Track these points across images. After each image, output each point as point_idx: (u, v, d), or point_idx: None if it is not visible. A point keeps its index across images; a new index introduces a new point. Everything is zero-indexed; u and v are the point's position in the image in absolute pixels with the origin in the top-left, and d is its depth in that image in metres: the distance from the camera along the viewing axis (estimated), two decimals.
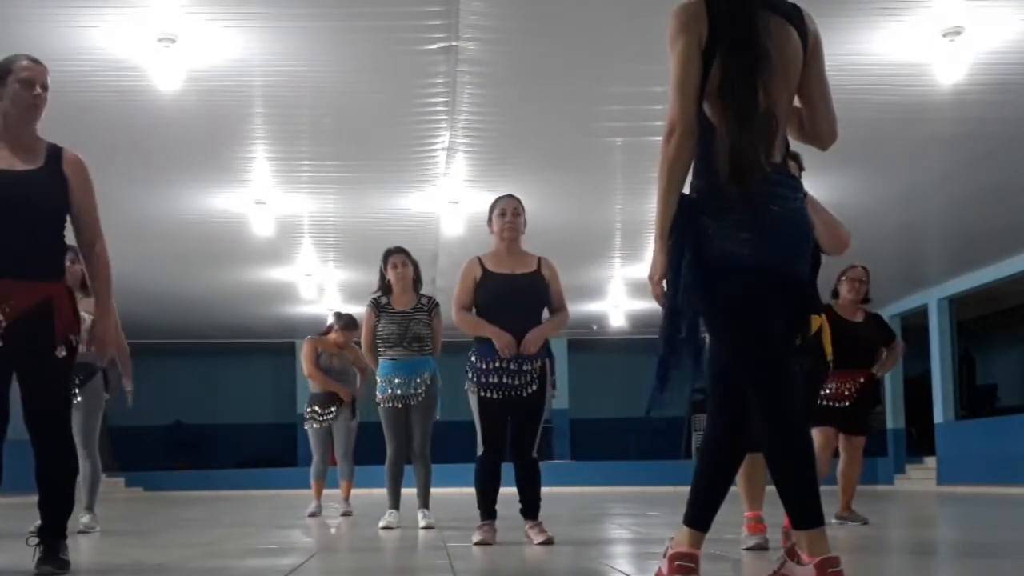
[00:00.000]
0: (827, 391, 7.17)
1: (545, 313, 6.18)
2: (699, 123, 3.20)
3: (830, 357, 5.32)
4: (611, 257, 15.92)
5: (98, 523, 7.51)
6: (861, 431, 7.79)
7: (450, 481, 15.20)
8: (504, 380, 5.92)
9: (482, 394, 5.96)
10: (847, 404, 7.60)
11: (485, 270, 6.08)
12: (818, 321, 5.27)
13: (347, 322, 9.97)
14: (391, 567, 5.19)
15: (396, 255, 7.82)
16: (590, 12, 7.63)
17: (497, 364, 5.91)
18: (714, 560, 5.08)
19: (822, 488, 8.28)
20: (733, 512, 5.46)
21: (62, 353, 4.41)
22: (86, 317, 7.33)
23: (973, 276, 17.34)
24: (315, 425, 9.83)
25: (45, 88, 4.49)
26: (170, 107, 8.98)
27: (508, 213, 6.11)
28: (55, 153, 4.52)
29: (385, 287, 7.78)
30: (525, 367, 5.92)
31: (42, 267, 4.42)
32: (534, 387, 5.94)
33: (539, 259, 6.15)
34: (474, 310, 6.09)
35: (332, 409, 9.79)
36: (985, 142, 10.53)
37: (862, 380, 7.61)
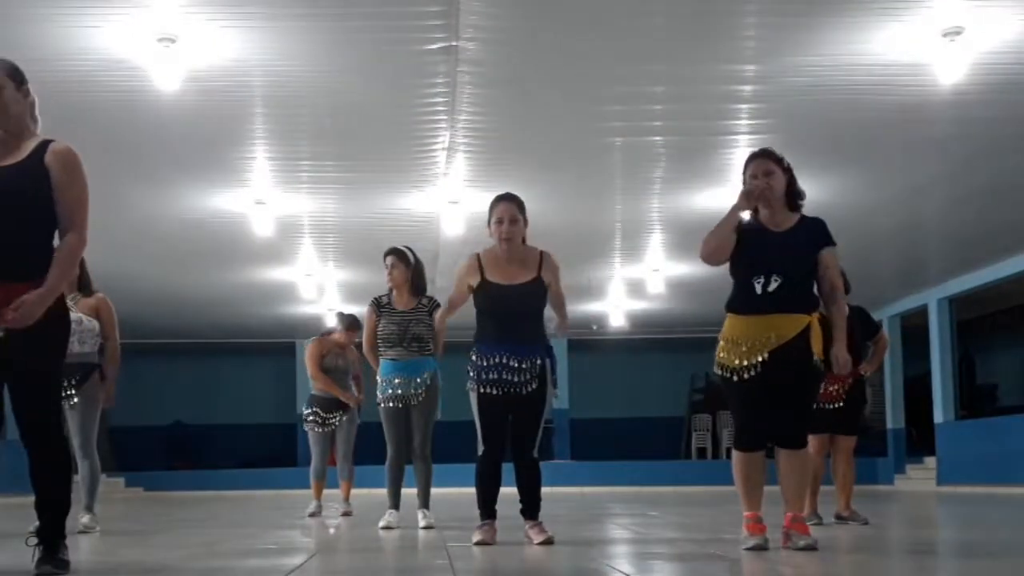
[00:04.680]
0: None
1: (547, 311, 6.17)
2: None
3: (820, 357, 5.31)
4: (611, 257, 15.91)
5: (98, 523, 7.51)
6: (851, 432, 7.77)
7: (450, 481, 15.20)
8: (503, 377, 5.90)
9: (481, 390, 5.94)
10: (839, 405, 7.59)
11: (484, 278, 5.99)
12: (805, 320, 5.27)
13: (350, 322, 9.97)
14: (391, 567, 5.18)
15: (389, 256, 7.83)
16: (590, 12, 7.63)
17: (496, 361, 5.90)
18: (714, 560, 5.08)
19: (821, 489, 8.28)
20: (733, 512, 5.48)
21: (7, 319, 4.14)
22: (83, 318, 7.37)
23: (973, 276, 17.33)
24: (317, 429, 9.81)
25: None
26: (170, 107, 8.98)
27: (505, 221, 6.00)
28: (41, 147, 4.36)
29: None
30: (524, 365, 5.90)
31: (19, 267, 4.25)
32: (534, 385, 5.91)
33: (540, 258, 6.04)
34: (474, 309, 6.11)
35: (336, 414, 9.78)
36: (985, 142, 10.53)
37: (851, 381, 7.59)
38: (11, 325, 4.17)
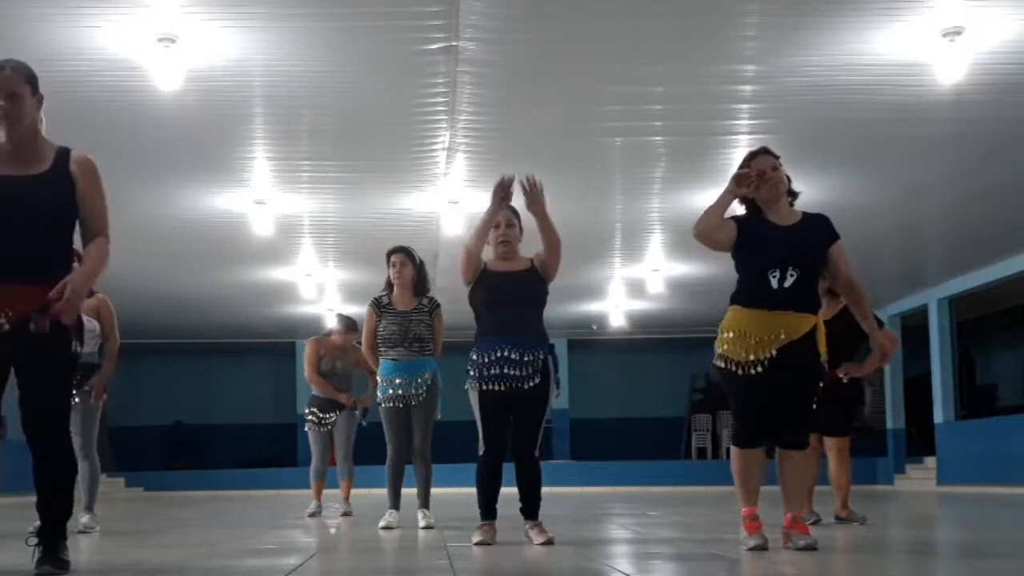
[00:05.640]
0: None
1: (547, 310, 6.17)
2: None
3: (824, 356, 5.32)
4: (611, 257, 15.91)
5: (98, 523, 7.51)
6: (839, 432, 7.69)
7: (450, 481, 15.20)
8: (506, 371, 5.87)
9: (483, 387, 5.92)
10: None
11: (485, 267, 6.07)
12: (813, 320, 5.27)
13: (347, 324, 9.96)
14: (391, 567, 5.18)
15: (396, 254, 7.83)
16: (590, 12, 7.63)
17: (498, 355, 5.88)
18: (714, 560, 5.08)
19: (817, 488, 8.25)
20: (733, 512, 5.48)
21: (77, 349, 4.36)
22: (84, 319, 7.36)
23: (973, 276, 17.34)
24: (315, 429, 9.83)
25: (12, 97, 4.32)
26: (170, 107, 8.98)
27: (502, 225, 6.07)
28: (63, 155, 4.44)
29: (390, 286, 7.80)
30: (527, 358, 5.89)
31: (44, 271, 4.31)
32: (536, 380, 5.89)
33: (532, 259, 6.13)
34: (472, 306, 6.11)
35: (332, 414, 9.79)
36: (985, 142, 10.53)
37: (821, 384, 7.49)
38: (63, 313, 4.26)
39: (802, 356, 5.19)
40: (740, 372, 5.22)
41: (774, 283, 5.19)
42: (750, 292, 5.28)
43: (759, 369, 5.18)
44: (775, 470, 5.40)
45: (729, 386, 5.34)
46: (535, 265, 6.10)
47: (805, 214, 5.41)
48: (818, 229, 5.34)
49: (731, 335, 5.26)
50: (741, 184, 5.29)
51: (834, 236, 5.34)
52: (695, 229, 5.39)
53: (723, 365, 5.29)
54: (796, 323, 5.19)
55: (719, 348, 5.31)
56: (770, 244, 5.24)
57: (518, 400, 5.92)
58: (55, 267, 4.38)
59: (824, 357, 5.30)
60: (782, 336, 5.17)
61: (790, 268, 5.18)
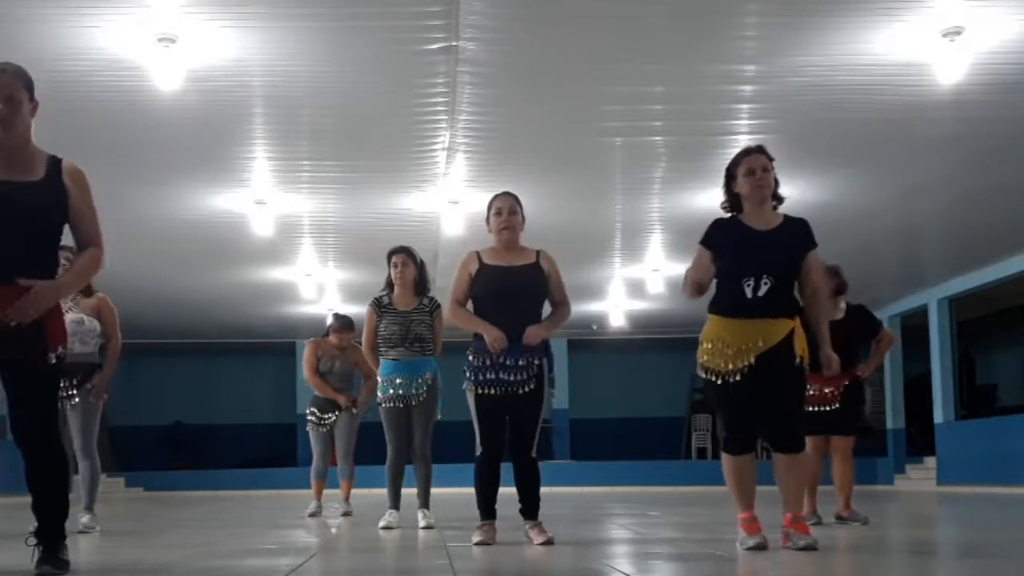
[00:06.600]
0: (811, 394, 7.00)
1: (546, 308, 6.16)
2: None
3: (805, 359, 5.31)
4: (611, 257, 15.91)
5: (98, 523, 7.51)
6: (847, 432, 7.72)
7: (450, 481, 15.20)
8: (501, 376, 5.88)
9: (480, 391, 5.93)
10: (836, 407, 7.53)
11: (483, 263, 6.04)
12: (790, 325, 5.27)
13: (344, 323, 9.95)
14: (391, 567, 5.19)
15: (397, 254, 7.84)
16: (590, 12, 7.63)
17: (494, 360, 5.89)
18: (714, 560, 5.08)
19: (820, 488, 8.28)
20: (732, 512, 5.48)
21: (52, 360, 4.35)
22: (83, 318, 7.39)
23: (973, 276, 17.33)
24: (315, 428, 9.84)
25: (9, 100, 4.34)
26: (170, 107, 8.98)
27: (504, 211, 6.08)
28: (55, 164, 4.46)
29: (390, 286, 7.80)
30: (522, 363, 5.89)
31: (34, 275, 4.31)
32: (532, 385, 5.90)
33: (537, 252, 6.12)
34: (471, 304, 6.08)
35: (332, 414, 9.80)
36: (985, 142, 10.53)
37: (847, 383, 7.53)
38: (15, 317, 4.24)
39: (781, 360, 5.19)
40: (721, 382, 5.24)
41: (748, 292, 5.19)
42: (726, 301, 5.30)
43: (738, 378, 5.19)
44: (772, 471, 5.40)
45: (714, 393, 5.36)
46: (540, 262, 6.07)
47: (786, 217, 5.40)
48: (797, 235, 5.34)
49: (709, 346, 5.29)
50: (697, 291, 5.35)
51: (811, 244, 5.34)
52: (687, 296, 5.41)
53: (704, 375, 5.33)
54: (773, 329, 5.20)
55: (700, 358, 5.34)
56: (746, 251, 5.24)
57: (514, 403, 5.93)
58: (43, 271, 4.39)
59: (803, 357, 5.29)
60: (760, 344, 5.18)
61: (764, 276, 5.18)
